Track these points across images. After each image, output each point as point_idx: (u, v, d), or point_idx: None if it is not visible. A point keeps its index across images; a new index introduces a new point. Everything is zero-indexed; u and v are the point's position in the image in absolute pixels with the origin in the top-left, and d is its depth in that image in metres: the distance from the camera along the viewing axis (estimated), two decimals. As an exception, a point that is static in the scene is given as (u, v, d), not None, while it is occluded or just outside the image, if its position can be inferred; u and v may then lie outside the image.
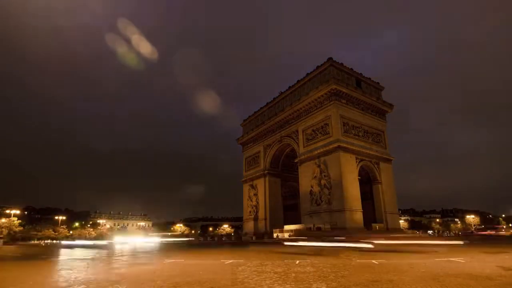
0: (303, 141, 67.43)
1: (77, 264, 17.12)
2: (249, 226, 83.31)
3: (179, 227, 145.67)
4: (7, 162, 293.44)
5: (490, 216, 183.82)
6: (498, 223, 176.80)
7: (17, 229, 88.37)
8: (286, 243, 35.51)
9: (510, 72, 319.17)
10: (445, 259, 14.12)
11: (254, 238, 68.32)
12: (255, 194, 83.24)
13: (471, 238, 51.64)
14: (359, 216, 56.72)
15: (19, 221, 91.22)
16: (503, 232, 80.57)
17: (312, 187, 61.69)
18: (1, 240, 65.34)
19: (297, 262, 13.81)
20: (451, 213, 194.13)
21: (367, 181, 64.52)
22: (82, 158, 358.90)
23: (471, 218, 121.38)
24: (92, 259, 20.87)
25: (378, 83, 72.90)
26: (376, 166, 64.04)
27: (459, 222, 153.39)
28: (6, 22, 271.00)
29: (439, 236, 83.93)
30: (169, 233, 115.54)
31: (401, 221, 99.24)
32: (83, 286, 8.91)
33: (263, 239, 62.72)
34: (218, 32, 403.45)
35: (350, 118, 62.70)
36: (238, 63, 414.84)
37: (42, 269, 15.03)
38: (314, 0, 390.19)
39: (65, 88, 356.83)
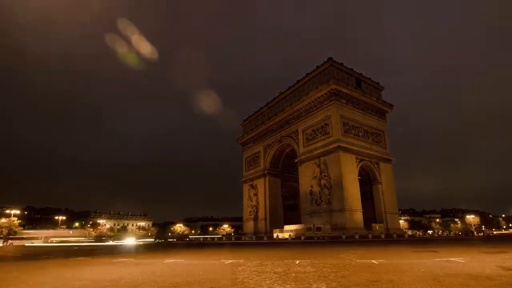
0: (303, 141, 67.44)
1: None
2: (249, 226, 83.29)
3: (179, 227, 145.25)
4: (7, 162, 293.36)
5: (490, 216, 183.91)
6: (498, 223, 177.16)
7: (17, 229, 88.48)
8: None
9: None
10: (445, 259, 14.13)
11: (254, 238, 68.24)
12: (255, 194, 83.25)
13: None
14: (359, 216, 56.77)
15: (19, 221, 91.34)
16: None
17: (312, 187, 61.71)
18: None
19: (297, 262, 13.80)
20: (451, 213, 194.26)
21: (367, 181, 64.56)
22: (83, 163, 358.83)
23: (471, 218, 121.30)
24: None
25: (378, 83, 72.93)
26: (376, 166, 64.09)
27: (459, 222, 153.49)
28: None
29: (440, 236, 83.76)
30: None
31: (401, 221, 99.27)
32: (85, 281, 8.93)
33: (263, 239, 62.70)
34: (218, 32, 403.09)
35: (350, 118, 62.73)
36: (238, 63, 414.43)
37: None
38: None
39: (63, 83, 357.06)
